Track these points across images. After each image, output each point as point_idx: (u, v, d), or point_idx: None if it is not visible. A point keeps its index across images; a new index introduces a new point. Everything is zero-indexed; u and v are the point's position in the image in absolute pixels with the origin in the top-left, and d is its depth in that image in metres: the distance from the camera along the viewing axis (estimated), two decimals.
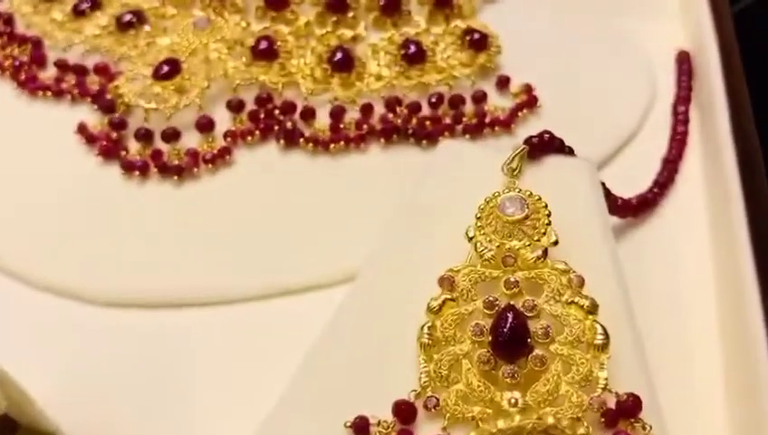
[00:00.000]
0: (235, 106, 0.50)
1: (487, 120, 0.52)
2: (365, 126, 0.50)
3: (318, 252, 0.46)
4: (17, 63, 0.53)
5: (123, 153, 0.48)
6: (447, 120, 0.51)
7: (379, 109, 0.51)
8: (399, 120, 0.50)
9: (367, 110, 0.51)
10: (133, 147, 0.49)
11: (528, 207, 0.37)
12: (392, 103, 0.51)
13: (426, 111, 0.52)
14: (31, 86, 0.53)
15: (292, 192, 0.48)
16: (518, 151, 0.41)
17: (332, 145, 0.50)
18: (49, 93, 0.52)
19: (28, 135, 0.51)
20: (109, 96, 0.50)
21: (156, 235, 0.46)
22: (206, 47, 0.52)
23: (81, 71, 0.52)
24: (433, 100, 0.52)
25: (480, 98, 0.52)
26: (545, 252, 0.36)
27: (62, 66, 0.53)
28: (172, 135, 0.48)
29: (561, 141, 0.42)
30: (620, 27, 0.61)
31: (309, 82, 0.51)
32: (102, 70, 0.52)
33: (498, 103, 0.53)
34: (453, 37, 0.55)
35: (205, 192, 0.48)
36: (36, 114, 0.52)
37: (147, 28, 0.53)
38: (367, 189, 0.49)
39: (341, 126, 0.50)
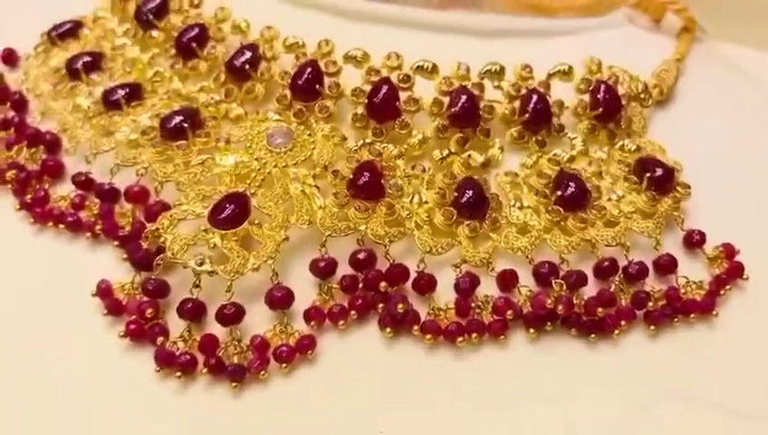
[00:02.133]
0: (323, 270, 0.34)
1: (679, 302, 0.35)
2: (509, 311, 0.33)
3: None
4: (23, 175, 0.38)
5: (160, 339, 0.32)
6: (624, 302, 0.35)
7: (525, 277, 0.35)
8: (558, 304, 0.34)
9: (507, 280, 0.35)
10: (175, 327, 0.33)
11: None
12: (545, 273, 0.35)
13: (591, 284, 0.35)
14: (38, 211, 0.37)
15: (400, 406, 0.32)
16: None
17: (460, 338, 0.33)
18: (62, 226, 0.36)
19: (26, 284, 0.35)
20: (145, 244, 0.34)
21: None
22: (284, 173, 0.36)
23: (108, 195, 0.37)
24: (603, 268, 0.35)
25: (668, 266, 0.36)
26: None
27: (82, 184, 0.37)
28: (232, 316, 0.32)
29: None
30: None
31: (426, 235, 0.35)
32: (138, 197, 0.36)
33: (688, 272, 0.36)
34: (622, 167, 0.38)
35: (276, 405, 0.32)
36: (41, 253, 0.36)
37: (202, 138, 0.37)
38: (507, 405, 0.33)
39: (472, 305, 0.34)
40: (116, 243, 0.35)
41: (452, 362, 0.33)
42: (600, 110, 0.39)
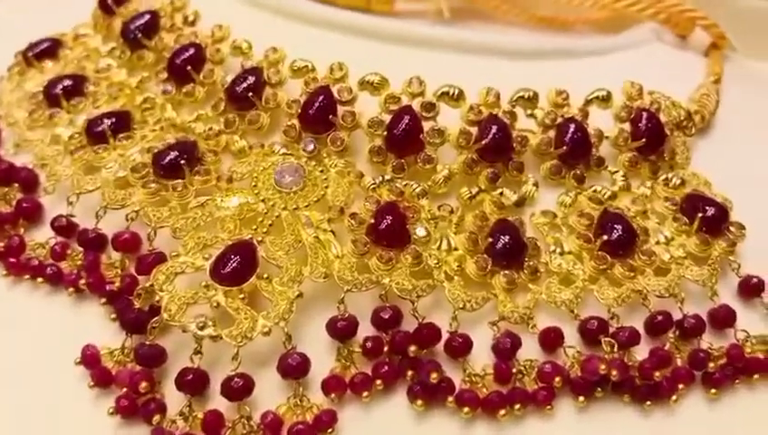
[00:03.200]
0: (343, 331, 0.29)
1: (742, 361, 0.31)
2: (557, 378, 0.29)
3: None
4: None
5: (157, 417, 0.27)
6: (680, 362, 0.31)
7: (569, 333, 0.30)
8: (611, 368, 0.29)
9: (552, 340, 0.30)
10: (173, 398, 0.28)
11: None
12: (593, 330, 0.30)
13: (644, 343, 0.31)
14: (12, 262, 0.32)
15: None
16: None
17: (502, 411, 0.29)
18: (40, 280, 0.31)
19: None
20: (137, 303, 0.29)
21: None
22: (295, 217, 0.31)
23: (93, 243, 0.32)
24: (656, 323, 0.31)
25: (725, 319, 0.32)
26: None
27: (63, 230, 0.32)
28: (241, 390, 0.28)
29: None
30: None
31: (458, 288, 0.30)
32: (128, 246, 0.31)
33: (745, 323, 0.32)
34: (669, 205, 0.34)
35: None
36: (16, 311, 0.31)
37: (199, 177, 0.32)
38: None
39: (513, 371, 0.29)
40: (103, 300, 0.30)
41: None
42: (644, 140, 0.34)
